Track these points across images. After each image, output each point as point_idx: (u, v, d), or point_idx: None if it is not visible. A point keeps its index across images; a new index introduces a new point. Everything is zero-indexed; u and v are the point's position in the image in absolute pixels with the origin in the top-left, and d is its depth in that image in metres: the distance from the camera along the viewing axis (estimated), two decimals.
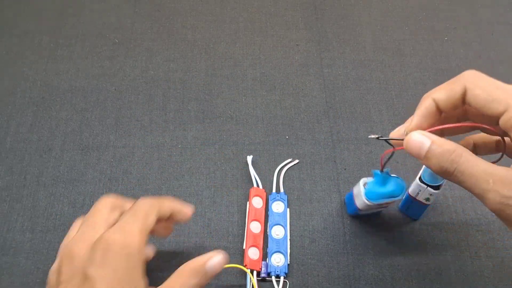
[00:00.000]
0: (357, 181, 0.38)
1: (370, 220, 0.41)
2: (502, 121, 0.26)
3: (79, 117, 0.47)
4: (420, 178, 0.37)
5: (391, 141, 0.31)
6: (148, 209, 0.30)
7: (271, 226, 0.40)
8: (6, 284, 0.38)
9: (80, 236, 0.29)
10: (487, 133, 0.32)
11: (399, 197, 0.35)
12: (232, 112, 0.47)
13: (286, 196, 0.42)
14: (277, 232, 0.40)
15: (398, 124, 0.31)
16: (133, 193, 0.42)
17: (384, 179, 0.35)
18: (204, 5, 0.55)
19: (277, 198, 0.41)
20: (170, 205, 0.33)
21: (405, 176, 0.42)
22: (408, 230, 0.41)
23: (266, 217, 0.41)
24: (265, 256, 0.39)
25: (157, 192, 0.42)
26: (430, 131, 0.28)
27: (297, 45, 0.53)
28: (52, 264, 0.31)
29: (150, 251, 0.36)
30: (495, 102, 0.26)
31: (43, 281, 0.38)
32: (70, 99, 0.48)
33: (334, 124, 0.47)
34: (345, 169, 0.44)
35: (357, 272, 0.39)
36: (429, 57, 0.52)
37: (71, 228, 0.33)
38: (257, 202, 0.41)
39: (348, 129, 0.47)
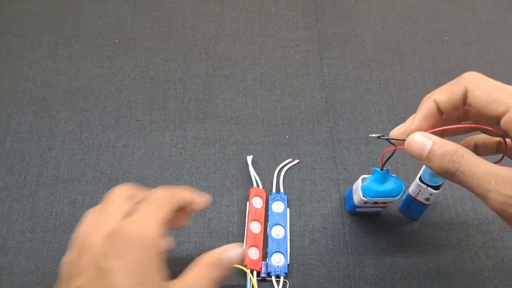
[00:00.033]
0: (356, 181, 0.38)
1: (370, 220, 0.41)
2: (503, 122, 0.26)
3: (79, 117, 0.47)
4: (420, 178, 0.37)
5: (392, 140, 0.31)
6: (165, 199, 0.29)
7: (271, 226, 0.40)
8: (6, 284, 0.38)
9: (95, 226, 0.28)
10: (488, 134, 0.32)
11: (396, 198, 0.35)
12: (232, 112, 0.47)
13: (286, 196, 0.42)
14: (277, 232, 0.40)
15: (398, 124, 0.31)
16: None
17: (383, 177, 0.35)
18: (204, 5, 0.55)
19: (277, 198, 0.41)
20: (187, 195, 0.31)
21: (405, 176, 0.42)
22: (408, 230, 0.41)
23: (266, 217, 0.41)
24: (265, 256, 0.39)
25: None
26: (431, 133, 0.28)
27: (297, 45, 0.53)
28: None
29: (169, 243, 0.34)
30: (496, 102, 0.26)
31: (43, 281, 0.38)
32: (70, 99, 0.48)
33: (334, 124, 0.47)
34: (345, 169, 0.44)
35: (357, 272, 0.39)
36: (429, 57, 0.52)
37: (84, 218, 0.31)
38: (257, 202, 0.41)
39: (348, 129, 0.47)
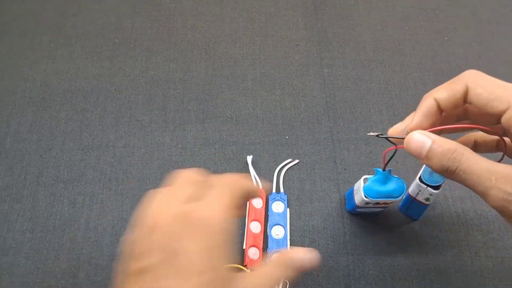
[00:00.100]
0: (356, 181, 0.38)
1: (370, 220, 0.41)
2: (504, 119, 0.26)
3: (79, 117, 0.47)
4: (420, 178, 0.37)
5: (391, 139, 0.31)
6: (234, 186, 0.28)
7: (271, 226, 0.40)
8: (6, 284, 0.38)
9: (164, 208, 0.27)
10: (487, 133, 0.32)
11: (398, 199, 0.35)
12: (232, 112, 0.47)
13: (286, 196, 0.42)
14: (277, 232, 0.40)
15: None
16: (133, 193, 0.42)
17: (385, 178, 0.35)
18: (204, 5, 0.55)
19: (277, 198, 0.41)
20: (251, 183, 0.31)
21: (405, 176, 0.42)
22: (408, 230, 0.41)
23: (266, 217, 0.41)
24: (265, 256, 0.39)
25: None
26: (431, 131, 0.28)
27: (297, 45, 0.53)
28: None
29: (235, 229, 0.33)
30: (497, 100, 0.26)
31: (43, 281, 0.38)
32: (70, 99, 0.48)
33: (334, 124, 0.47)
34: (345, 169, 0.44)
35: (357, 272, 0.39)
36: (429, 57, 0.52)
37: (152, 198, 0.29)
38: (257, 202, 0.41)
39: (348, 129, 0.47)
